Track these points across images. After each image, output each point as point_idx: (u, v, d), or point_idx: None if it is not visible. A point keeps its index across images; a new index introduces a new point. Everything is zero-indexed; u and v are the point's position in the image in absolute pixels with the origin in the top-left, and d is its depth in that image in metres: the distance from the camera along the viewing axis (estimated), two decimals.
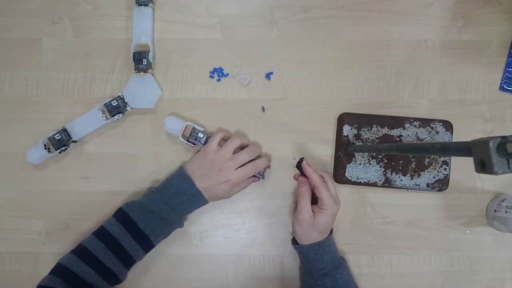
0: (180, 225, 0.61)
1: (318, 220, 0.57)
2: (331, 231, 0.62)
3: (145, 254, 0.60)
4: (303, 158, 0.60)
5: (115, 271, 0.56)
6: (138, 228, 0.57)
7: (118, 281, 0.58)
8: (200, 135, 0.63)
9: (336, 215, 0.59)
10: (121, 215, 0.58)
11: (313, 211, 0.58)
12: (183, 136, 0.64)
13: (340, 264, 0.60)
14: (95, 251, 0.55)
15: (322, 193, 0.57)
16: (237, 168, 0.59)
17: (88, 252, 0.55)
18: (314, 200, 0.59)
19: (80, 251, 0.56)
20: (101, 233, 0.57)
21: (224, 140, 0.63)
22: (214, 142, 0.61)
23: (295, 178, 0.62)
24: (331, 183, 0.60)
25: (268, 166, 0.67)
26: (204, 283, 0.66)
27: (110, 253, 0.55)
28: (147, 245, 0.58)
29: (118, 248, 0.56)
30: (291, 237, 0.65)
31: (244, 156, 0.60)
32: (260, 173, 0.64)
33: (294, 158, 0.61)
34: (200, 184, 0.58)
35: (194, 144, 0.64)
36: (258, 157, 0.64)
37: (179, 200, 0.58)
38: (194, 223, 0.67)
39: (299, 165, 0.60)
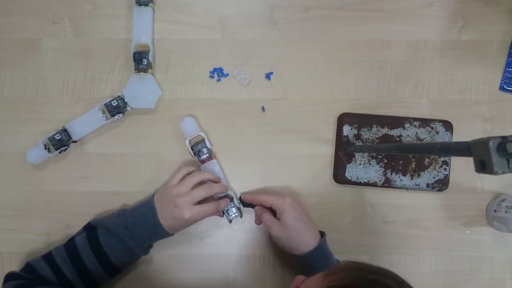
0: (142, 252, 0.60)
1: (285, 220, 0.58)
2: (323, 234, 0.60)
3: (105, 273, 0.58)
4: (239, 196, 0.65)
5: (71, 279, 0.56)
6: (99, 244, 0.57)
7: None
8: (204, 150, 0.64)
9: (300, 209, 0.60)
10: (89, 230, 0.60)
11: (278, 221, 0.59)
12: (190, 141, 0.65)
13: None
14: (58, 261, 0.57)
15: (267, 200, 0.60)
16: (194, 204, 0.57)
17: (54, 259, 0.57)
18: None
19: (48, 257, 0.58)
20: (69, 243, 0.59)
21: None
22: (177, 177, 0.60)
23: (256, 222, 0.64)
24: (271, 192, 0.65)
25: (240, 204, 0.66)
26: (204, 283, 0.66)
27: (70, 264, 0.56)
28: (106, 264, 0.57)
29: (78, 260, 0.57)
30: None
31: (200, 192, 0.57)
32: (236, 213, 0.64)
33: (238, 202, 0.64)
34: (160, 215, 0.56)
35: (195, 155, 0.65)
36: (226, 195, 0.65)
37: (140, 227, 0.57)
38: (194, 223, 0.67)
39: (244, 203, 0.64)
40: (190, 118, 0.66)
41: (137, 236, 0.57)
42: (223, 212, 0.64)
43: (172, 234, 0.59)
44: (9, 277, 0.56)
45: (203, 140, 0.65)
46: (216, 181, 0.63)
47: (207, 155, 0.64)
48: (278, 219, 0.59)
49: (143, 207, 0.59)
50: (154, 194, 0.61)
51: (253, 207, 0.64)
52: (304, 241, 0.58)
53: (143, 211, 0.58)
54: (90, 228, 0.60)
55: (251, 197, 0.63)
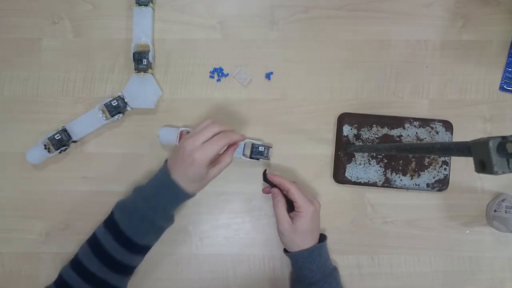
0: (166, 222, 0.57)
1: (298, 225, 0.57)
2: (324, 238, 0.61)
3: (136, 256, 0.57)
4: (265, 170, 0.61)
5: (104, 278, 0.54)
6: (119, 229, 0.54)
7: None
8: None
9: (317, 217, 0.60)
10: (109, 217, 0.57)
11: (291, 218, 0.58)
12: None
13: (329, 274, 0.59)
14: (85, 261, 0.54)
15: (294, 194, 0.57)
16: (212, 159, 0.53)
17: (80, 262, 0.54)
18: (292, 208, 0.60)
19: (75, 262, 0.55)
20: (90, 238, 0.57)
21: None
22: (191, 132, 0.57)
23: (265, 191, 0.63)
24: (302, 187, 0.60)
25: (271, 146, 0.66)
26: (204, 283, 0.66)
27: (96, 260, 0.54)
28: (132, 247, 0.54)
29: (103, 253, 0.54)
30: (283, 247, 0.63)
31: (215, 146, 0.52)
32: (265, 154, 0.64)
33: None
34: (175, 174, 0.53)
35: None
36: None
37: (158, 195, 0.54)
38: (194, 223, 0.67)
39: (266, 178, 0.61)
40: (164, 129, 0.65)
41: (156, 207, 0.54)
42: None
43: (194, 195, 0.55)
44: None
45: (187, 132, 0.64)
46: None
47: None
48: (292, 214, 0.58)
49: (157, 174, 0.56)
50: (167, 159, 0.57)
51: (272, 186, 0.61)
52: (303, 244, 0.58)
53: (158, 178, 0.55)
54: (109, 217, 0.57)
55: (279, 180, 0.59)
